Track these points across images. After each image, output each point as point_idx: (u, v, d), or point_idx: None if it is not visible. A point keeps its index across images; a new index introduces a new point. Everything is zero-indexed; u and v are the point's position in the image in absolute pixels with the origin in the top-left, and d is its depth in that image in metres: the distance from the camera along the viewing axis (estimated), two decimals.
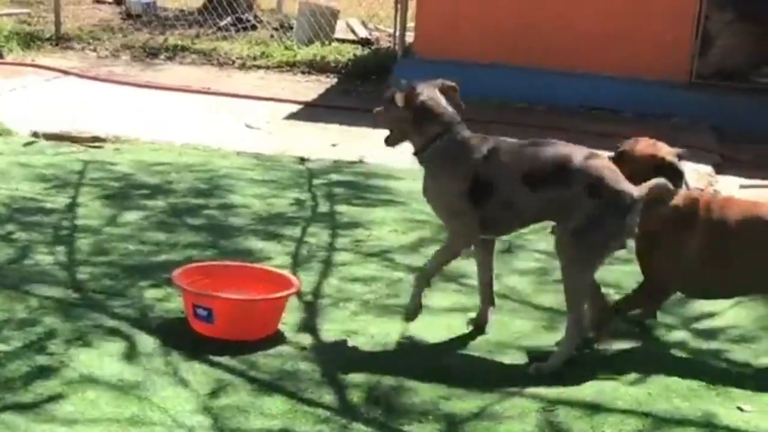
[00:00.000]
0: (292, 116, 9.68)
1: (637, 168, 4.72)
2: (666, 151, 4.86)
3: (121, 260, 5.68)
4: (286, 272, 5.29)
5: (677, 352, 4.98)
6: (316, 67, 11.59)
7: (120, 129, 8.53)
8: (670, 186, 4.63)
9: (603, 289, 4.99)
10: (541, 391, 4.43)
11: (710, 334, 5.18)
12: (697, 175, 7.64)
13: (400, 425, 4.11)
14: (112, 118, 8.98)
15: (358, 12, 14.13)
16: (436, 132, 4.71)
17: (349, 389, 4.38)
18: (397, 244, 6.19)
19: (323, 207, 6.87)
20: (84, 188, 6.94)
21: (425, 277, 4.93)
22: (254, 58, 11.83)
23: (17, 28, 12.35)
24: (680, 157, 4.88)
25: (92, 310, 5.00)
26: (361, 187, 7.36)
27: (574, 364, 4.67)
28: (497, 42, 10.50)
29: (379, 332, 4.94)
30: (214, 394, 4.28)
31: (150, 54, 12.04)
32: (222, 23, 13.02)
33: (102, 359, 4.50)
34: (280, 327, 4.90)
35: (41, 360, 4.46)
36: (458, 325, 5.04)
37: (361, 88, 10.89)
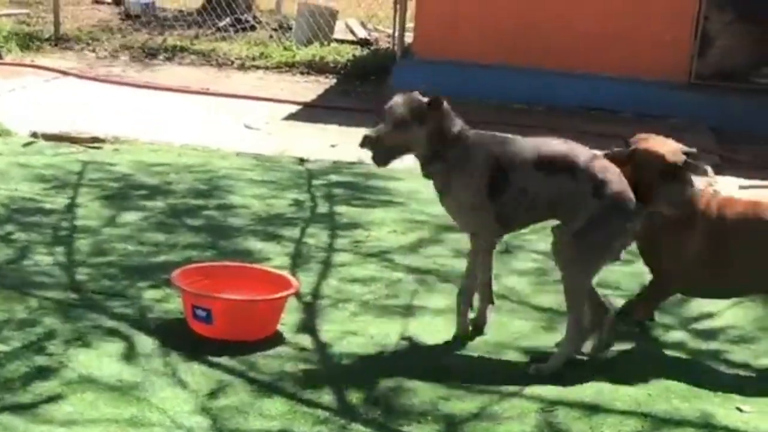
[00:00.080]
0: (292, 117, 9.69)
1: (647, 170, 4.66)
2: (673, 153, 4.76)
3: (121, 261, 5.68)
4: (286, 273, 5.29)
5: (676, 353, 4.98)
6: (315, 67, 11.60)
7: (119, 129, 8.53)
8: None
9: (602, 290, 4.99)
10: (541, 391, 4.43)
11: (709, 334, 5.18)
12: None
13: (400, 426, 4.11)
14: (112, 118, 8.98)
15: (357, 12, 14.13)
16: (452, 139, 4.69)
17: (348, 390, 4.38)
18: (397, 244, 6.19)
19: (322, 208, 6.87)
20: (83, 189, 6.94)
21: (465, 295, 4.89)
22: (253, 59, 11.83)
23: (16, 29, 12.35)
24: (689, 155, 4.78)
25: (91, 311, 5.00)
26: (360, 187, 7.36)
27: (573, 364, 4.68)
28: (496, 42, 10.50)
29: (379, 333, 4.94)
30: (213, 394, 4.28)
31: (149, 54, 12.04)
32: (221, 24, 13.02)
33: (101, 360, 4.50)
34: (280, 328, 4.89)
35: (40, 360, 4.45)
36: None
37: (360, 88, 10.90)
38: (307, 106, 10.12)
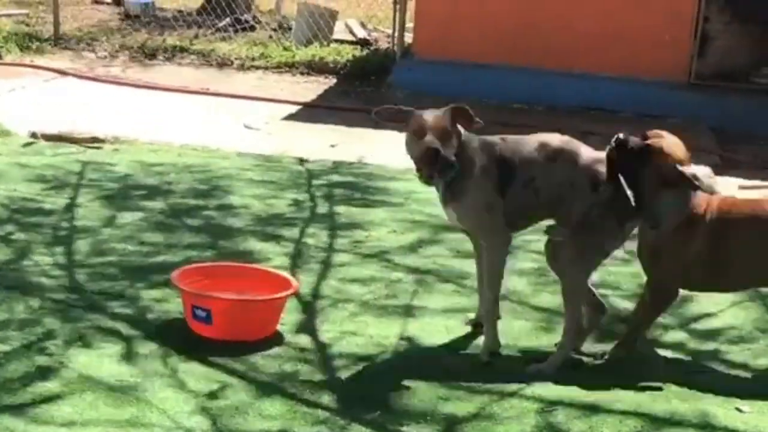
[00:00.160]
0: (291, 117, 9.69)
1: (657, 168, 4.63)
2: (688, 158, 4.71)
3: (120, 261, 5.68)
4: (285, 273, 5.29)
5: (676, 353, 4.98)
6: (314, 67, 11.60)
7: (119, 130, 8.53)
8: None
9: (602, 290, 4.99)
10: (540, 391, 4.43)
11: (708, 335, 5.18)
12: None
13: (399, 426, 4.11)
14: (111, 118, 8.99)
15: (357, 13, 14.13)
16: (460, 144, 4.64)
17: (348, 390, 4.38)
18: (396, 244, 6.19)
19: (322, 208, 6.87)
20: (83, 189, 6.94)
21: (490, 302, 4.81)
22: (253, 59, 11.83)
23: (16, 29, 12.36)
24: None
25: (91, 311, 5.00)
26: (359, 187, 7.36)
27: (572, 364, 4.68)
28: (496, 42, 10.50)
29: (378, 333, 4.94)
30: (212, 395, 4.28)
31: (148, 55, 12.03)
32: (221, 24, 13.02)
33: (101, 360, 4.50)
34: (279, 328, 4.90)
35: (40, 361, 4.45)
36: (457, 326, 5.04)
37: (360, 88, 10.90)
38: (306, 106, 10.13)
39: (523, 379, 4.54)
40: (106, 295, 5.20)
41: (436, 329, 5.01)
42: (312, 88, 10.95)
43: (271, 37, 12.59)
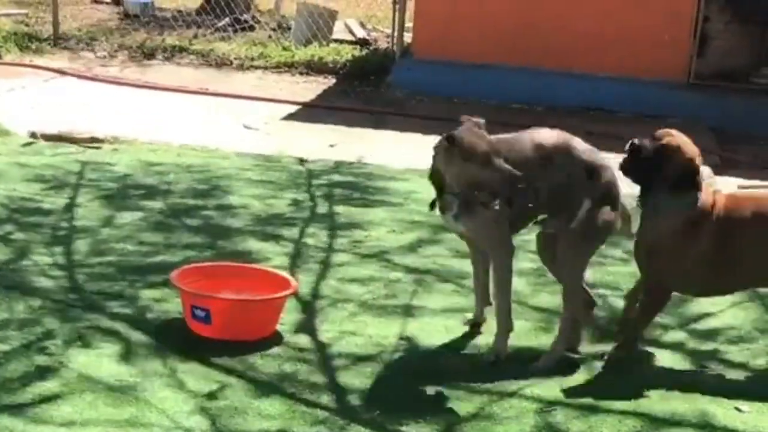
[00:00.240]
0: (291, 117, 9.69)
1: (670, 167, 4.63)
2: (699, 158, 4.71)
3: (119, 261, 5.68)
4: (285, 273, 5.29)
5: (675, 353, 4.98)
6: (314, 67, 11.59)
7: (118, 129, 8.52)
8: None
9: (601, 290, 4.99)
10: (539, 391, 4.43)
11: (708, 334, 5.18)
12: None
13: (398, 426, 4.11)
14: (110, 118, 8.98)
15: (356, 13, 14.13)
16: None
17: (347, 390, 4.38)
18: (396, 244, 6.19)
19: (321, 208, 6.86)
20: (82, 189, 6.94)
21: (503, 313, 4.80)
22: (252, 59, 11.82)
23: (15, 29, 12.35)
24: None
25: (90, 311, 5.00)
26: (359, 187, 7.35)
27: (571, 364, 4.68)
28: (495, 42, 10.50)
29: (377, 333, 4.94)
30: (212, 395, 4.28)
31: (148, 54, 12.03)
32: (220, 24, 13.01)
33: (100, 360, 4.50)
34: (278, 328, 4.89)
35: (39, 361, 4.45)
36: (456, 326, 5.04)
37: (359, 88, 10.90)
38: (306, 106, 10.12)
39: (522, 378, 4.53)
40: (106, 295, 5.20)
41: (436, 329, 5.01)
42: (311, 88, 10.95)
43: (270, 36, 12.59)
